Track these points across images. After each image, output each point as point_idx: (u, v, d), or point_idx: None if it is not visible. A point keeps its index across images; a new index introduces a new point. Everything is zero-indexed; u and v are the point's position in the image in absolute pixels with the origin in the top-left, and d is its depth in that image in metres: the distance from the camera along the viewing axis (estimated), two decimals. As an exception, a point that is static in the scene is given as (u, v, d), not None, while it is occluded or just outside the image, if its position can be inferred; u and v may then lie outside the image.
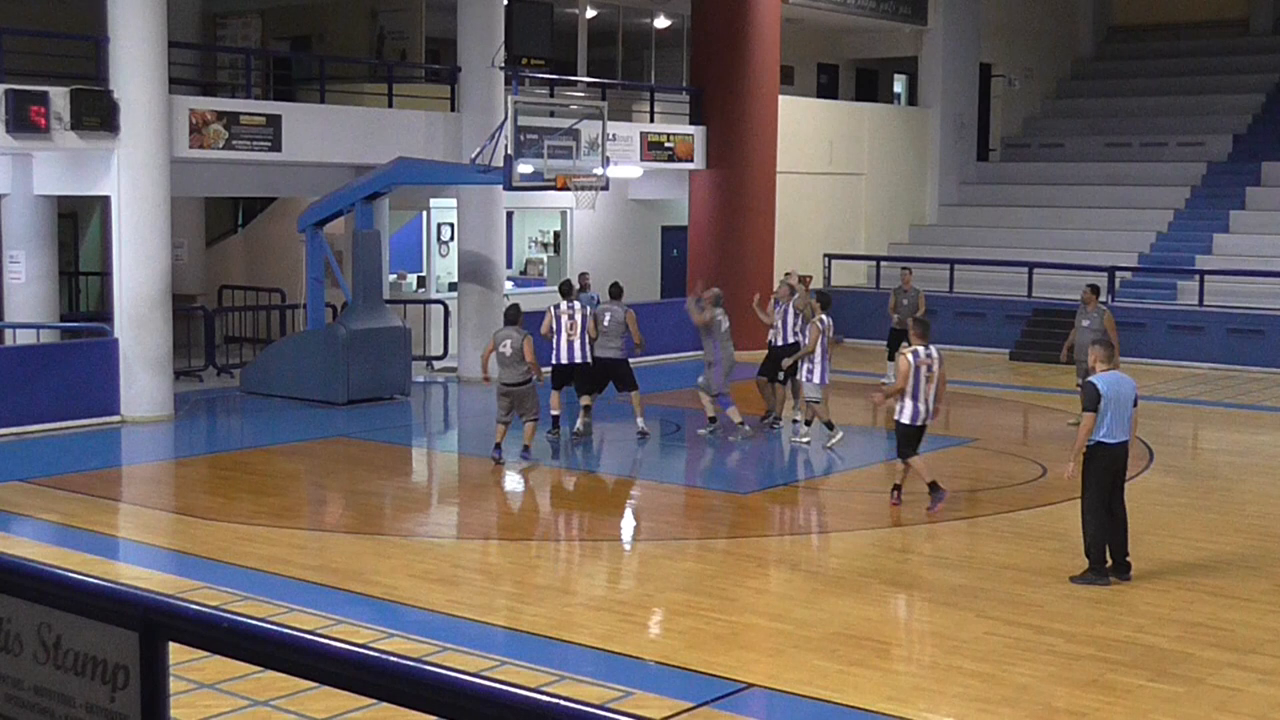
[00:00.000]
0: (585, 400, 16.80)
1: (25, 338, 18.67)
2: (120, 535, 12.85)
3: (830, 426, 16.31)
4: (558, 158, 18.58)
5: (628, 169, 24.41)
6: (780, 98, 25.92)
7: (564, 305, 16.63)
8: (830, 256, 28.05)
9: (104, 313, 20.18)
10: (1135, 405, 10.91)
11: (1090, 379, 10.95)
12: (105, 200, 18.12)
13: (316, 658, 2.65)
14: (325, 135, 19.97)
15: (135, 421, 17.44)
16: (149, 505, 13.92)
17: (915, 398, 12.92)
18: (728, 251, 25.10)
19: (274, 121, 19.26)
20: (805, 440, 16.60)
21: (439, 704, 2.46)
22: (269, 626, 2.75)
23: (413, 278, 24.57)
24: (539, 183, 18.69)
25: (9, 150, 17.46)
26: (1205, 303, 24.32)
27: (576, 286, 17.95)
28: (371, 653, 2.60)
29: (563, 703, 2.37)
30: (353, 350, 19.02)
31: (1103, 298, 20.00)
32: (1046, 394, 20.94)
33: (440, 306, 23.39)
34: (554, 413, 16.81)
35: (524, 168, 18.18)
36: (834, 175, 28.65)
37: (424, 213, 24.03)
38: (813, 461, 16.14)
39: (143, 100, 17.24)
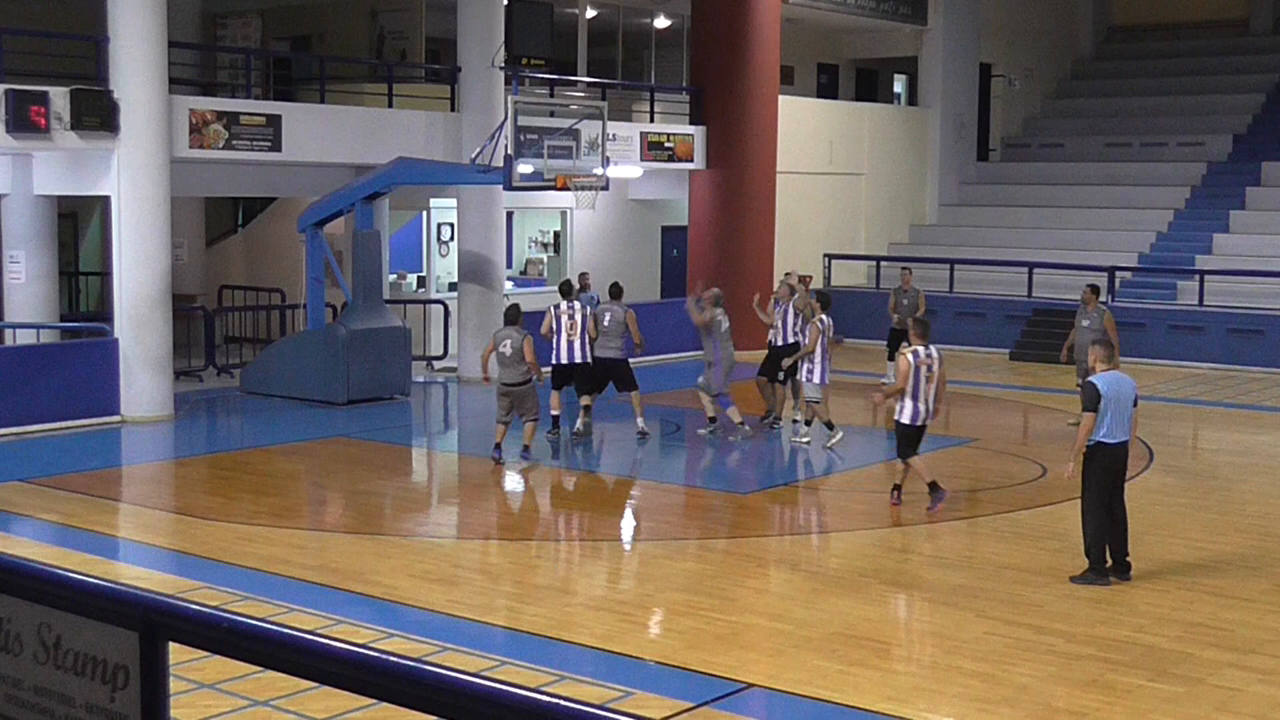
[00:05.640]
0: (585, 400, 16.80)
1: (25, 338, 18.67)
2: (120, 535, 12.84)
3: (830, 426, 16.31)
4: (558, 158, 18.57)
5: (628, 169, 24.40)
6: (780, 98, 25.92)
7: (564, 305, 16.63)
8: (830, 256, 28.05)
9: (104, 313, 20.18)
10: (1135, 405, 10.91)
11: (1090, 379, 10.95)
12: (105, 200, 18.12)
13: (316, 658, 2.65)
14: (325, 135, 19.97)
15: (135, 421, 17.44)
16: (149, 505, 13.92)
17: (915, 398, 12.92)
18: (728, 251, 25.10)
19: (274, 121, 19.26)
20: (805, 440, 16.60)
21: (439, 704, 2.46)
22: (269, 626, 2.75)
23: (413, 278, 24.57)
24: (539, 183, 18.69)
25: (9, 150, 17.46)
26: (1205, 303, 24.32)
27: (576, 286, 17.94)
28: (371, 653, 2.60)
29: (563, 703, 2.37)
30: (353, 350, 19.02)
31: (1103, 298, 20.00)
32: (1046, 394, 20.93)
33: (440, 306, 23.39)
34: (554, 413, 16.81)
35: (524, 168, 18.18)
36: (834, 175, 28.65)
37: (424, 213, 24.03)
38: (813, 461, 16.14)
39: (143, 100, 17.24)
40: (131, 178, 17.32)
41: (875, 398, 14.63)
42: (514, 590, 10.97)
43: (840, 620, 9.95)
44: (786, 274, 18.71)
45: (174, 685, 2.99)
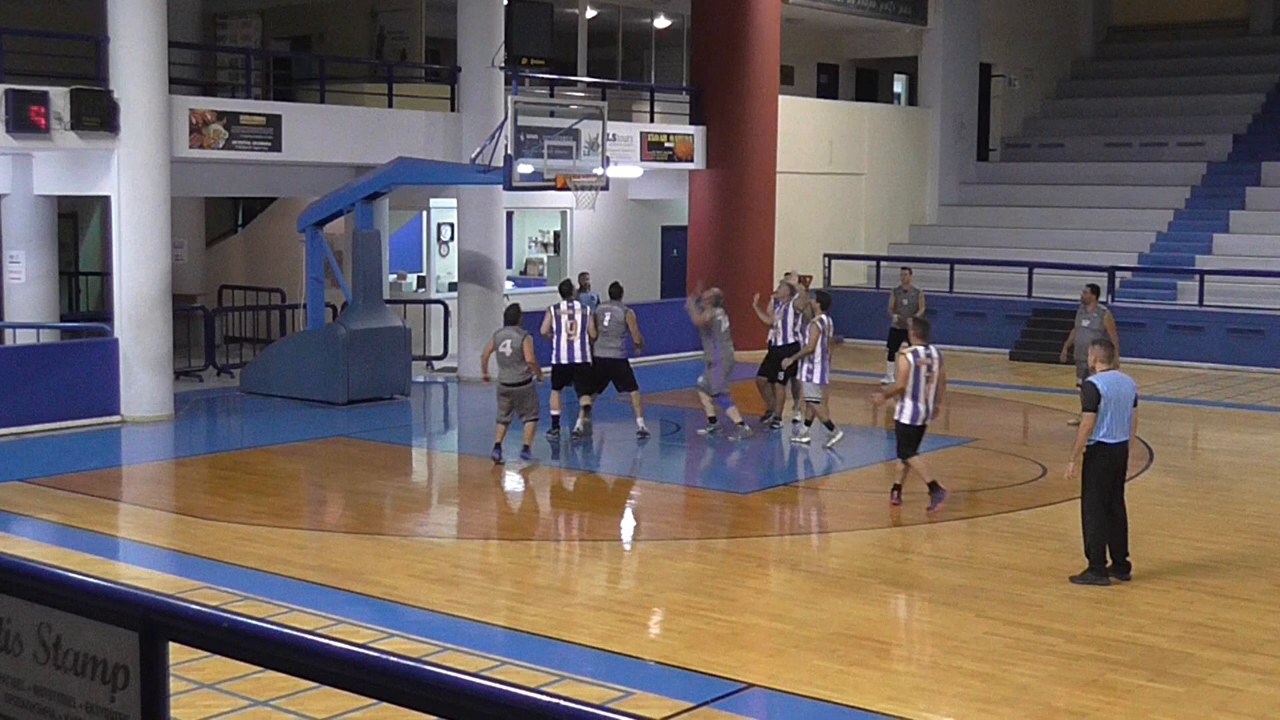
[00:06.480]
0: (585, 400, 16.80)
1: (25, 338, 18.67)
2: (120, 535, 12.85)
3: (830, 426, 16.31)
4: (558, 158, 18.57)
5: (628, 169, 24.40)
6: (780, 98, 25.92)
7: (564, 305, 16.63)
8: (830, 256, 28.05)
9: (104, 313, 20.18)
10: (1135, 405, 10.91)
11: (1090, 379, 10.96)
12: (105, 200, 18.12)
13: (316, 658, 2.65)
14: (325, 135, 19.97)
15: (135, 421, 17.44)
16: (149, 505, 13.92)
17: (915, 398, 12.92)
18: (728, 251, 25.10)
19: (274, 121, 19.26)
20: (805, 440, 16.60)
21: (439, 704, 2.46)
22: (269, 626, 2.75)
23: (413, 278, 24.57)
24: (539, 183, 18.69)
25: (9, 150, 17.46)
26: (1205, 303, 24.32)
27: (576, 286, 17.94)
28: (371, 653, 2.60)
29: (563, 703, 2.37)
30: (353, 350, 19.02)
31: (1103, 298, 20.00)
32: (1046, 394, 20.93)
33: (440, 306, 23.39)
34: (554, 413, 16.81)
35: (524, 168, 18.18)
36: (834, 175, 28.65)
37: (424, 213, 24.03)
38: (813, 461, 16.14)
39: (143, 100, 17.24)
40: (131, 178, 17.32)
41: (875, 398, 14.63)
42: (514, 590, 10.97)
43: (840, 620, 9.95)
44: (786, 274, 18.71)
45: (174, 685, 2.99)
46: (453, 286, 23.10)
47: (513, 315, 15.67)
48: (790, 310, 17.28)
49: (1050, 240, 28.16)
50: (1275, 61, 32.75)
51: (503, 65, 20.41)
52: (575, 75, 25.34)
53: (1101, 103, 33.81)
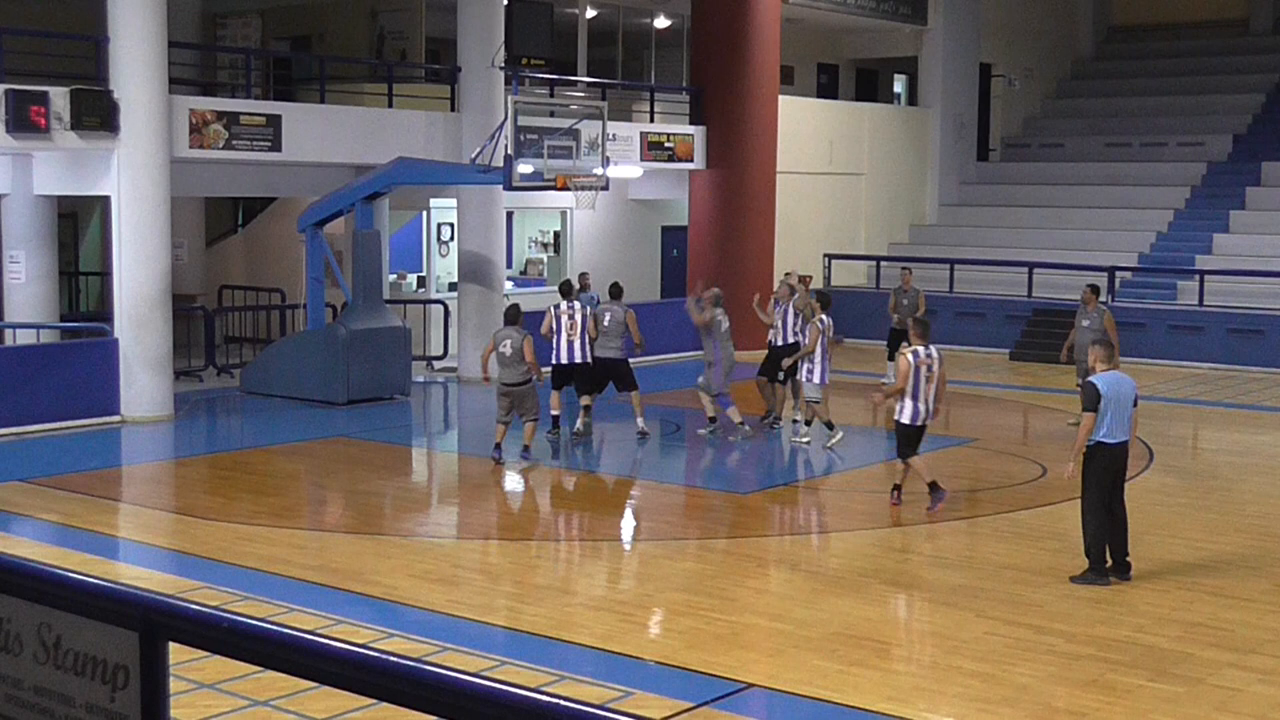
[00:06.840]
0: (585, 400, 16.80)
1: (25, 338, 18.67)
2: (120, 535, 12.85)
3: (830, 426, 16.31)
4: (558, 158, 18.57)
5: (628, 169, 24.40)
6: (780, 98, 25.92)
7: (564, 305, 16.63)
8: (830, 256, 28.05)
9: (104, 313, 20.18)
10: (1135, 405, 10.92)
11: (1090, 379, 10.96)
12: (105, 200, 18.12)
13: (316, 658, 2.65)
14: (325, 135, 19.97)
15: (135, 421, 17.44)
16: (149, 505, 13.92)
17: (915, 398, 12.92)
18: (728, 251, 25.10)
19: (274, 121, 19.26)
20: (805, 440, 16.60)
21: (439, 704, 2.46)
22: (269, 626, 2.75)
23: (413, 278, 24.57)
24: (539, 183, 18.69)
25: (9, 150, 17.46)
26: (1205, 303, 24.32)
27: (576, 286, 17.94)
28: (371, 653, 2.60)
29: (563, 703, 2.37)
30: (353, 350, 19.02)
31: (1103, 298, 20.00)
32: (1046, 394, 20.93)
33: (440, 306, 23.40)
34: (554, 413, 16.82)
35: (524, 168, 18.18)
36: (834, 175, 28.65)
37: (424, 213, 24.04)
38: (813, 461, 16.14)
39: (143, 100, 17.24)
40: (131, 178, 17.32)
41: (875, 398, 14.63)
42: (514, 590, 10.97)
43: (840, 620, 9.95)
44: (786, 274, 18.71)
45: (174, 685, 2.99)
46: (453, 286, 23.10)
47: (513, 315, 15.67)
48: (790, 310, 17.28)
49: (1050, 240, 28.16)
50: (1275, 61, 32.75)
51: (503, 65, 20.41)
52: (575, 75, 25.34)
53: (1101, 103, 33.81)
